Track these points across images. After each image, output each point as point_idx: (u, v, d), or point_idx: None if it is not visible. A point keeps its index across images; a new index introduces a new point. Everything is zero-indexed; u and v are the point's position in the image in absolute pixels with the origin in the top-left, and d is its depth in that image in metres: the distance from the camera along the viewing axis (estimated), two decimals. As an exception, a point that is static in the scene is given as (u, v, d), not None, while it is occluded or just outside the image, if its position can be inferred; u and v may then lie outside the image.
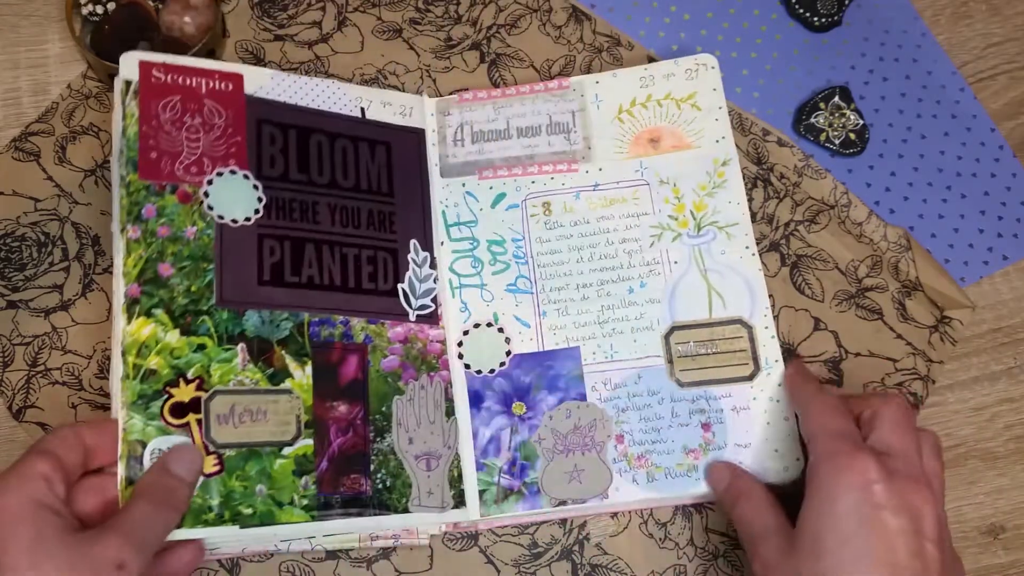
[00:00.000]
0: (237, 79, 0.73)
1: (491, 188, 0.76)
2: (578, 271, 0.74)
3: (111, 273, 0.71)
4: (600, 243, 0.75)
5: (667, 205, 0.75)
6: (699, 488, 0.70)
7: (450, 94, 0.79)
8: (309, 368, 0.68)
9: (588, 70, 0.81)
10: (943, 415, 0.76)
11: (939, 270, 0.78)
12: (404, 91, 0.80)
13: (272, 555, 0.69)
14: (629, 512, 0.72)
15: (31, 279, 0.72)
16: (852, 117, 0.81)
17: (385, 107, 0.76)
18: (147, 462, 0.62)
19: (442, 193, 0.76)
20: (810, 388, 0.67)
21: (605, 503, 0.70)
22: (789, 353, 0.75)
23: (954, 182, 0.82)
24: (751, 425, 0.71)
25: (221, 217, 0.69)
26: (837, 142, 0.81)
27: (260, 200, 0.70)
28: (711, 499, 0.72)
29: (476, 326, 0.73)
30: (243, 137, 0.71)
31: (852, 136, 0.81)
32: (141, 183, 0.68)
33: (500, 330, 0.73)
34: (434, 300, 0.73)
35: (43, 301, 0.72)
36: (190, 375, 0.65)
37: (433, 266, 0.74)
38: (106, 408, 0.69)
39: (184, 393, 0.65)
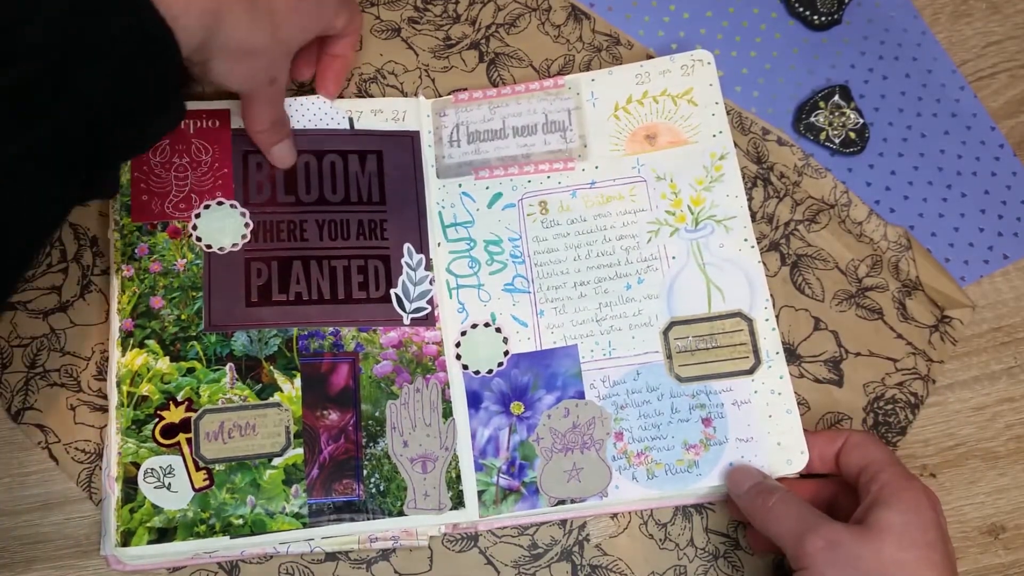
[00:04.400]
0: (223, 115, 0.75)
1: (487, 188, 0.76)
2: (575, 269, 0.74)
3: (109, 275, 0.71)
4: (597, 240, 0.74)
5: (664, 201, 0.75)
6: (700, 484, 0.70)
7: (448, 94, 0.79)
8: (298, 381, 0.69)
9: (587, 69, 0.81)
10: (944, 415, 0.76)
11: (939, 269, 0.78)
12: (403, 91, 0.80)
13: (271, 557, 0.68)
14: (629, 513, 0.72)
15: (29, 280, 0.72)
16: (852, 116, 0.81)
17: (376, 115, 0.77)
18: (141, 482, 0.66)
19: (438, 194, 0.76)
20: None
21: (605, 501, 0.69)
22: (790, 353, 0.75)
23: (954, 181, 0.81)
24: (752, 419, 0.70)
25: (209, 247, 0.71)
26: (837, 141, 0.81)
27: (247, 226, 0.72)
28: (711, 496, 0.72)
29: (474, 326, 0.73)
30: (229, 169, 0.73)
31: (852, 135, 0.81)
32: (133, 225, 0.71)
33: (498, 330, 0.73)
34: (430, 302, 0.73)
35: (41, 303, 0.72)
36: (180, 397, 0.68)
37: (429, 267, 0.73)
38: (105, 410, 0.69)
39: (174, 415, 0.67)
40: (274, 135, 0.72)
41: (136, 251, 0.70)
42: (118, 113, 0.56)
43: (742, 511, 0.67)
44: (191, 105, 0.74)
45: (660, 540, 0.71)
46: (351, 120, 0.76)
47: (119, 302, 0.69)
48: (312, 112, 0.76)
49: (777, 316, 0.76)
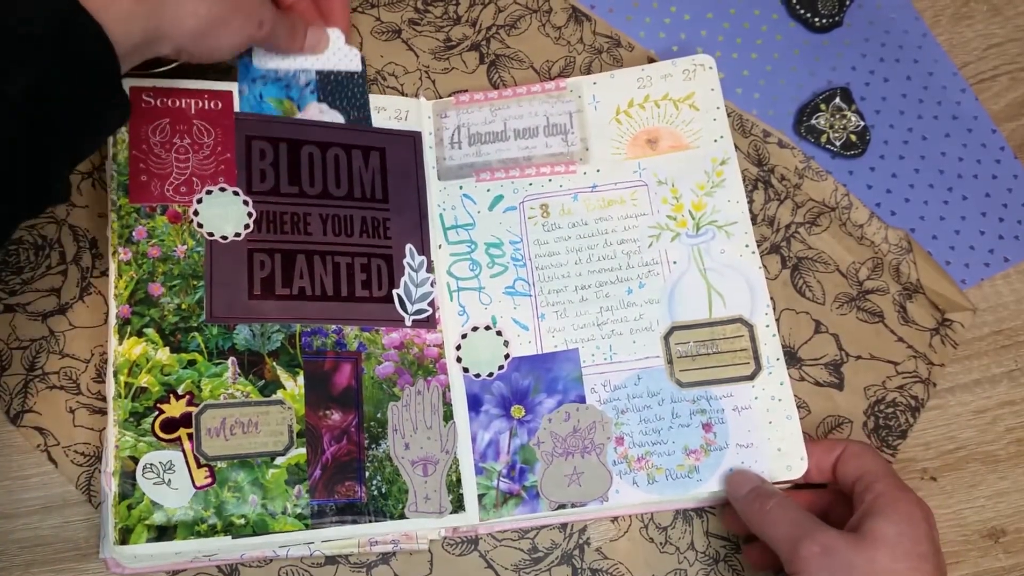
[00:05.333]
0: (226, 96, 0.73)
1: (488, 190, 0.76)
2: (576, 273, 0.74)
3: (108, 276, 0.70)
4: (598, 244, 0.74)
5: (665, 205, 0.75)
6: (700, 489, 0.70)
7: (448, 96, 0.78)
8: (301, 378, 0.68)
9: (588, 71, 0.81)
10: (944, 418, 0.76)
11: (940, 272, 0.78)
12: (403, 92, 0.79)
13: (271, 560, 0.68)
14: (630, 516, 0.72)
15: (28, 282, 0.72)
16: (853, 118, 0.81)
17: (379, 112, 0.76)
18: (140, 478, 0.64)
19: (439, 196, 0.76)
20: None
21: (605, 506, 0.69)
22: (790, 356, 0.75)
23: (955, 184, 0.81)
24: (753, 425, 0.70)
25: (211, 234, 0.70)
26: (838, 144, 0.81)
27: (250, 215, 0.71)
28: (712, 501, 0.72)
29: (474, 329, 0.73)
30: (232, 154, 0.72)
31: (853, 137, 0.81)
32: (131, 206, 0.69)
33: (498, 333, 0.73)
34: (431, 304, 0.73)
35: (40, 305, 0.72)
36: (180, 391, 0.67)
37: (430, 270, 0.73)
38: (104, 412, 0.69)
39: (174, 409, 0.66)
40: (295, 39, 0.72)
41: (134, 234, 0.69)
42: (52, 111, 0.55)
43: (740, 514, 0.67)
44: (193, 84, 0.73)
45: (661, 544, 0.71)
46: (363, 61, 0.76)
47: (116, 287, 0.68)
48: (326, 53, 0.76)
49: (778, 319, 0.76)
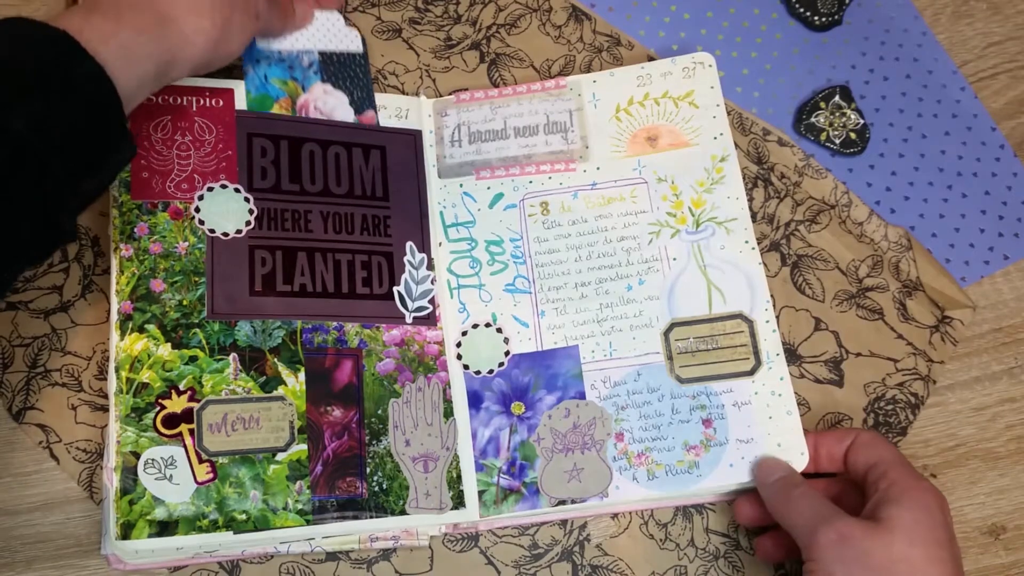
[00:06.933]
0: (228, 94, 0.74)
1: (489, 188, 0.76)
2: (576, 270, 0.74)
3: (110, 273, 0.71)
4: (598, 242, 0.74)
5: (665, 202, 0.75)
6: (700, 485, 0.70)
7: (449, 94, 0.79)
8: (302, 375, 0.69)
9: (588, 70, 0.81)
10: (944, 415, 0.76)
11: (940, 270, 0.78)
12: (403, 91, 0.80)
13: (272, 557, 0.68)
14: (630, 513, 0.72)
15: (30, 280, 0.72)
16: (853, 116, 0.81)
17: (380, 111, 0.76)
18: (141, 473, 0.64)
19: (440, 194, 0.76)
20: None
21: (605, 502, 0.69)
22: (790, 353, 0.75)
23: (955, 181, 0.81)
24: (753, 420, 0.70)
25: (212, 231, 0.70)
26: (838, 141, 0.81)
27: (251, 212, 0.71)
28: (712, 497, 0.72)
29: (475, 326, 0.73)
30: (233, 151, 0.72)
31: (853, 135, 0.81)
32: (133, 203, 0.69)
33: (499, 330, 0.73)
34: (431, 301, 0.73)
35: (42, 302, 0.72)
36: (182, 386, 0.67)
37: (430, 267, 0.74)
38: (106, 410, 0.69)
39: (176, 404, 0.66)
40: (286, 19, 0.74)
41: (135, 230, 0.69)
42: (57, 149, 0.55)
43: (764, 500, 0.68)
44: (195, 81, 0.73)
45: (661, 540, 0.71)
46: (364, 42, 0.77)
47: (118, 283, 0.68)
48: (323, 32, 0.76)
49: (777, 316, 0.76)
